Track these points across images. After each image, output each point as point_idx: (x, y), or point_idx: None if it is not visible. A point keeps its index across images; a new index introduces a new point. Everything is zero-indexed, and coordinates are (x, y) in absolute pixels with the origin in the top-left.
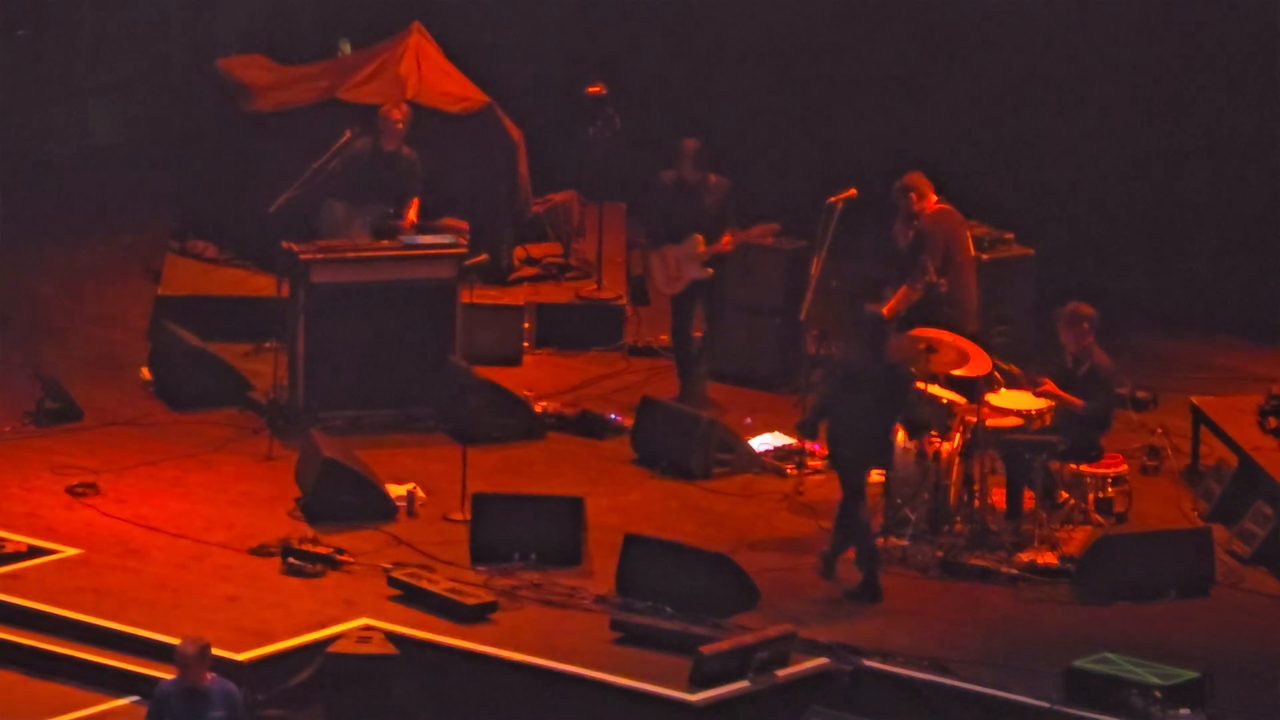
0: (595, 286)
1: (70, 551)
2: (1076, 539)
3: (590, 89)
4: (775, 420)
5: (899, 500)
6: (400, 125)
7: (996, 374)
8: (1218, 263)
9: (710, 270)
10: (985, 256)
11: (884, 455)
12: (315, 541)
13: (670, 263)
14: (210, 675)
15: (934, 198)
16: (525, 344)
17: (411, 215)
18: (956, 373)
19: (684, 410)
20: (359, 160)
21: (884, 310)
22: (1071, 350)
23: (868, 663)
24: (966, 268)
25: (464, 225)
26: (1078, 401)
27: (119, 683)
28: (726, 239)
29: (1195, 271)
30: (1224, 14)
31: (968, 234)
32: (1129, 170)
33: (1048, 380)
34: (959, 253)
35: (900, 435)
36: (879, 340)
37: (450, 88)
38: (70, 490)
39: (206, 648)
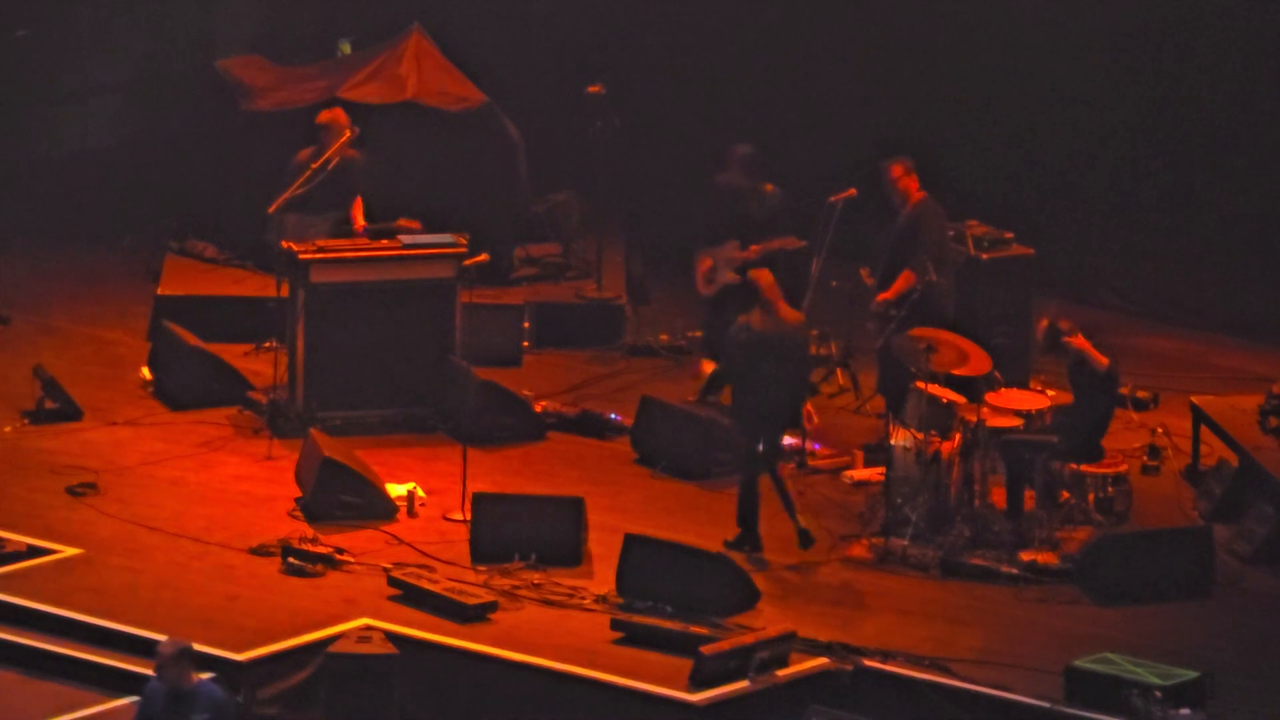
0: (595, 286)
1: (70, 551)
2: (1076, 539)
3: (590, 89)
4: None
5: (899, 500)
6: (347, 132)
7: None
8: (1218, 262)
9: (738, 276)
10: (985, 256)
11: (796, 417)
12: (315, 541)
13: (707, 266)
14: (197, 678)
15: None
16: (525, 344)
17: (359, 217)
18: (956, 372)
19: (684, 410)
20: (303, 171)
21: (888, 293)
22: (1067, 360)
23: (868, 663)
24: (951, 255)
25: (416, 225)
26: (1103, 358)
27: (119, 683)
28: (753, 247)
29: (1196, 270)
30: (1226, 11)
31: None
32: (1128, 170)
33: (1077, 336)
34: (947, 244)
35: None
36: (770, 302)
37: (450, 88)
38: (70, 490)
39: (186, 650)
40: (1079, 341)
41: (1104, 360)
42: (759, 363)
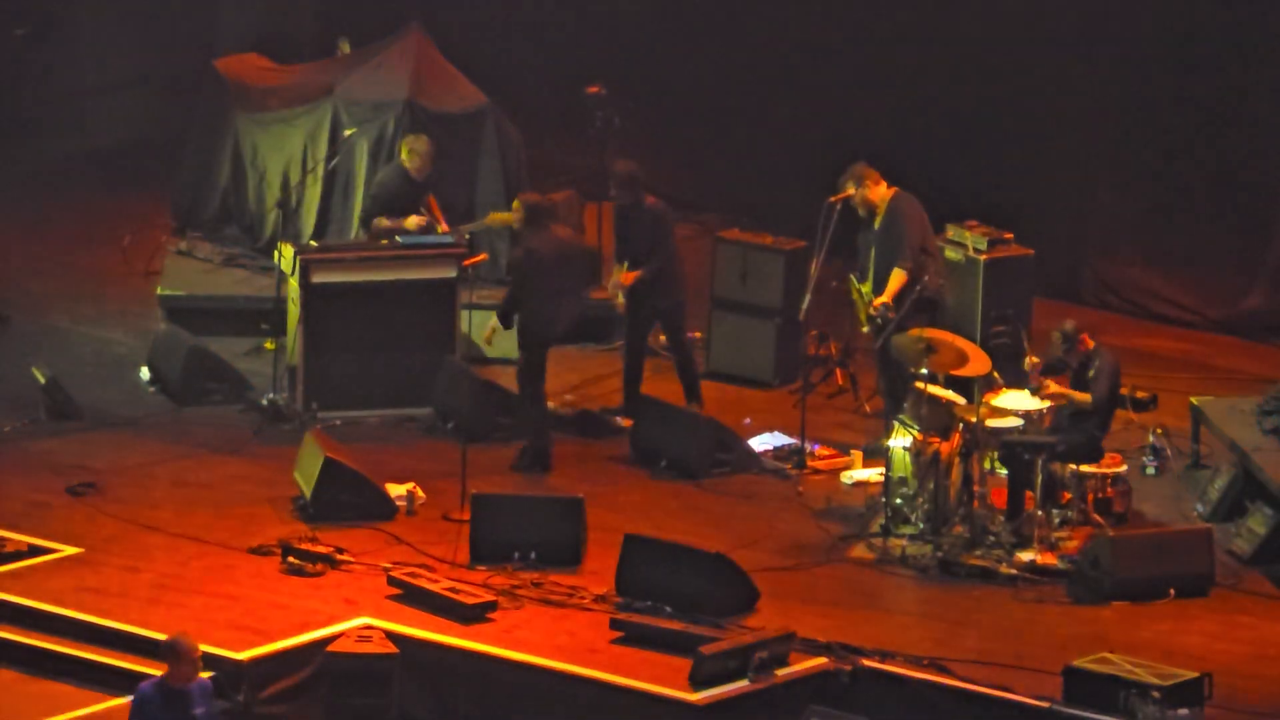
0: (595, 286)
1: (70, 551)
2: (1076, 539)
3: (590, 89)
4: (774, 420)
5: (898, 500)
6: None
7: (996, 374)
8: (1218, 262)
9: (622, 299)
10: (985, 256)
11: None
12: (315, 541)
13: (612, 285)
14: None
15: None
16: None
17: (440, 215)
18: (955, 373)
19: (683, 410)
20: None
21: (885, 297)
22: (1073, 364)
23: (867, 663)
24: (935, 244)
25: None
26: (1085, 396)
27: (119, 682)
28: (627, 275)
29: (1195, 271)
30: (1228, 11)
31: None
32: (1129, 170)
33: (1049, 382)
34: (929, 232)
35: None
36: (544, 222)
37: (449, 87)
38: (70, 490)
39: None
40: (1086, 343)
41: (1085, 397)
42: (543, 279)
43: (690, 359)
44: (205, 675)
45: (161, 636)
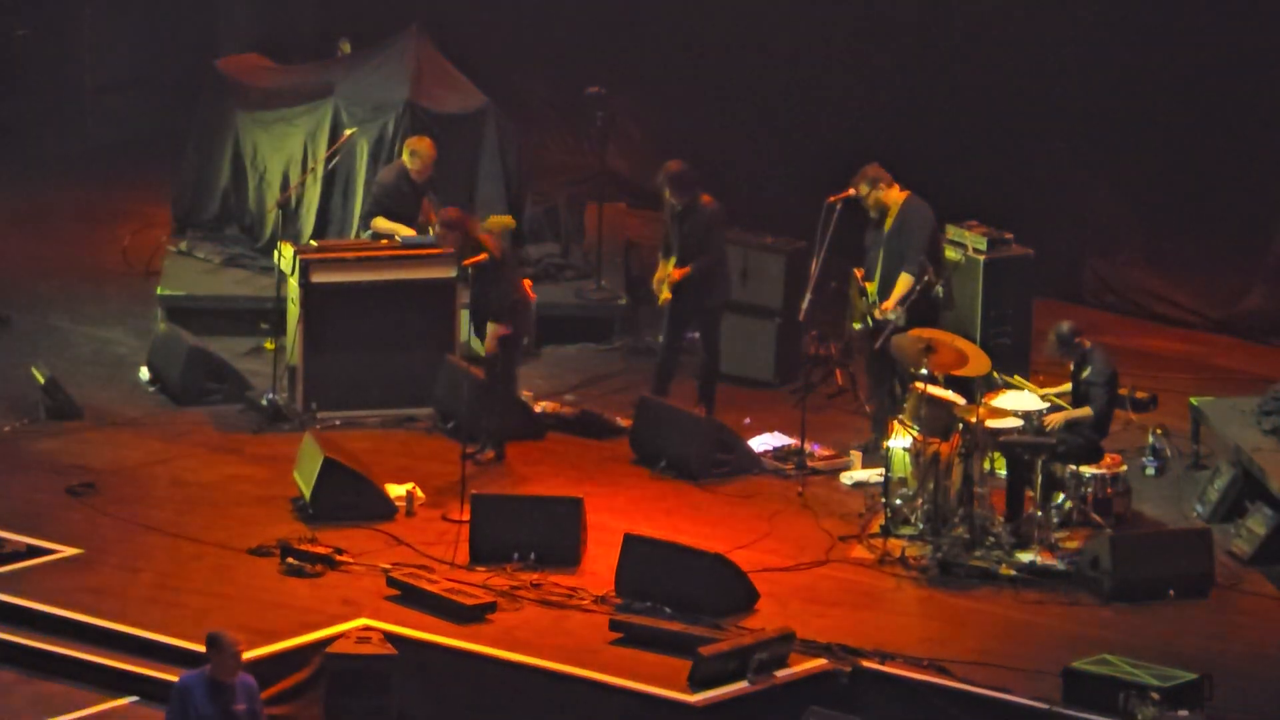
0: (595, 286)
1: (70, 551)
2: (1076, 539)
3: (590, 89)
4: (775, 420)
5: (897, 501)
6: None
7: (996, 374)
8: (1218, 262)
9: (667, 295)
10: (985, 256)
11: None
12: (314, 541)
13: (657, 280)
14: None
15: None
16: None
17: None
18: (955, 373)
19: (684, 410)
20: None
21: (891, 301)
22: (1071, 365)
23: (867, 663)
24: (942, 252)
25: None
26: (1086, 411)
27: (119, 683)
28: (675, 272)
29: (1195, 271)
30: (1228, 11)
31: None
32: (1128, 167)
33: (1048, 416)
34: (938, 237)
35: None
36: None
37: (449, 87)
38: (70, 490)
39: None
40: (1082, 345)
41: (1086, 412)
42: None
43: (716, 363)
44: None
45: (161, 637)
